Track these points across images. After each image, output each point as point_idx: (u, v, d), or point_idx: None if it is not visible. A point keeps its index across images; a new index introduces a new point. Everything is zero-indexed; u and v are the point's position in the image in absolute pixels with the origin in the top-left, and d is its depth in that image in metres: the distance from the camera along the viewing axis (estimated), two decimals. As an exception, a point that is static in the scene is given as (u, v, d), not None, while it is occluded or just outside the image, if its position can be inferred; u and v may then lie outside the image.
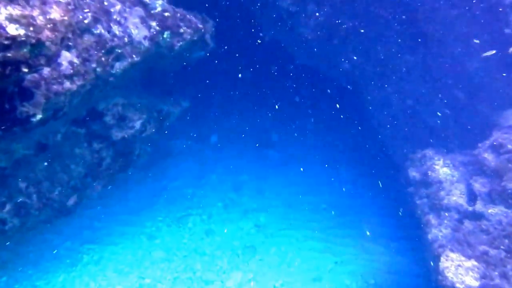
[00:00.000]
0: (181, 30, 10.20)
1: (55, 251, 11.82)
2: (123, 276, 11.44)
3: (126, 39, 9.02)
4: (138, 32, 9.34)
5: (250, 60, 16.65)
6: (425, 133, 12.29)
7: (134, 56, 9.24)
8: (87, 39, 8.34)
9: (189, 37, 10.35)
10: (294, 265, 12.11)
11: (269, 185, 15.18)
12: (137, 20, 9.41)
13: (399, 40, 12.38)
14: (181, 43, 10.24)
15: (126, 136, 10.45)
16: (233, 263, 12.07)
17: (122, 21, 9.12)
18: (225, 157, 16.40)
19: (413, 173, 11.15)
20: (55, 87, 7.66)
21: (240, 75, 16.64)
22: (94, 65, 8.42)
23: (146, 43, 9.41)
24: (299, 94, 17.91)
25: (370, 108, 13.73)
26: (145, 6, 9.66)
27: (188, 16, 10.47)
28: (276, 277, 11.71)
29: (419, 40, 12.08)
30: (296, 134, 17.68)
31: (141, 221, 13.22)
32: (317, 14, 12.49)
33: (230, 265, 11.99)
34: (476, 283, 8.23)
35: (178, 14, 10.25)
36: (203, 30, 10.80)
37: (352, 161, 16.32)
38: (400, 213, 13.29)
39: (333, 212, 13.99)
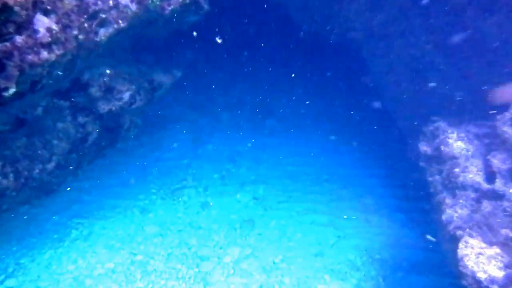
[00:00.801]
0: (172, -8, 9.32)
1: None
2: (114, 252, 10.76)
3: (111, 3, 8.17)
4: (124, -6, 8.44)
5: (248, 24, 15.80)
6: (435, 102, 11.42)
7: (120, 21, 8.39)
8: (68, 2, 7.52)
9: (180, 0, 9.43)
10: (294, 240, 11.44)
11: (267, 155, 14.42)
12: (123, -19, 8.50)
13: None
14: (172, 7, 9.36)
15: (113, 108, 9.67)
16: (231, 237, 11.40)
17: (106, -19, 8.24)
18: (222, 126, 15.59)
19: (424, 148, 10.32)
20: (30, 57, 6.86)
21: (237, 41, 15.77)
22: (75, 32, 7.62)
23: (133, 7, 8.53)
24: (300, 60, 17.05)
25: (374, 74, 12.87)
26: (132, -35, 8.74)
27: (179, -25, 9.57)
28: (275, 253, 11.02)
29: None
30: (296, 102, 16.86)
31: (134, 194, 12.54)
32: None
33: (227, 240, 11.31)
34: (500, 273, 7.45)
35: (169, -26, 9.35)
36: (196, -8, 9.92)
37: (355, 130, 15.52)
38: (405, 184, 12.63)
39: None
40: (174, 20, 10.23)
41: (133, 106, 10.17)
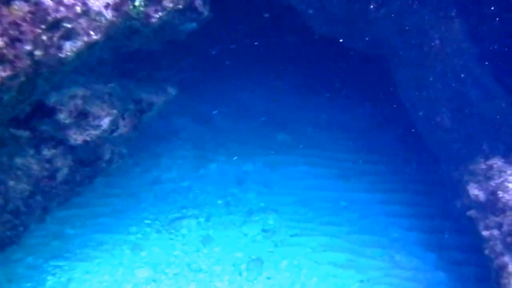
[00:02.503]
0: (161, -5, 7.01)
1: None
2: (97, 306, 8.54)
3: (78, 9, 5.98)
4: (97, -2, 6.18)
5: (256, 30, 13.52)
6: (481, 129, 9.10)
7: (92, 33, 6.17)
8: (18, 8, 5.39)
9: (171, 5, 7.20)
10: (310, 286, 9.32)
11: (278, 176, 12.18)
12: (95, -19, 6.24)
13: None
14: (160, 13, 7.09)
15: (89, 139, 7.35)
16: (236, 283, 9.30)
17: (72, -19, 6.04)
18: (228, 141, 13.33)
19: (475, 192, 7.93)
20: (-39, 82, 4.75)
21: (245, 47, 13.50)
22: (29, 47, 5.50)
23: (108, 15, 6.29)
24: (316, 69, 14.80)
25: (403, 90, 10.59)
26: (109, -40, 6.46)
27: (171, -25, 7.25)
28: (287, 303, 8.84)
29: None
30: (311, 116, 14.59)
31: (125, 226, 10.36)
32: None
33: (231, 287, 9.00)
34: None
35: (156, -28, 7.04)
36: (192, -6, 7.60)
37: (378, 149, 13.25)
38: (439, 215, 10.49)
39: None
40: (166, 28, 7.97)
41: (115, 134, 7.92)
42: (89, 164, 7.89)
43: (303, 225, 10.67)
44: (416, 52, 9.87)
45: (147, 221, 10.52)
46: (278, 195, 11.64)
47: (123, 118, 8.02)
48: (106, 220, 10.42)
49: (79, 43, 6.13)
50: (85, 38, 6.17)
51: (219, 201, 11.31)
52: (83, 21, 6.11)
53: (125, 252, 9.67)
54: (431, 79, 9.60)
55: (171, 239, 10.11)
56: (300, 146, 13.37)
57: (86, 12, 6.11)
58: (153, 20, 7.09)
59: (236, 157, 12.59)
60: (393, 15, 9.65)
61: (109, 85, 7.85)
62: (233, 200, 11.39)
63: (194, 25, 8.45)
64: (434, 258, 9.85)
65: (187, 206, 11.04)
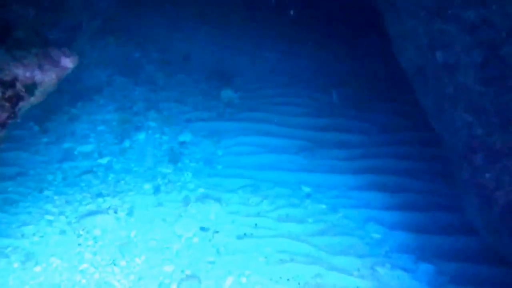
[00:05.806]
0: None
1: None
2: None
3: None
4: None
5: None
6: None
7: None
8: None
9: None
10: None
11: (223, 150, 9.63)
12: None
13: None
14: None
15: None
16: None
17: None
18: (161, 101, 10.48)
19: None
20: None
21: None
22: None
23: None
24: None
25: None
26: None
27: None
28: None
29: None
30: (264, 66, 11.79)
31: (18, 224, 7.61)
32: None
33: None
34: None
35: None
36: None
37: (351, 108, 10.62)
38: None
39: None
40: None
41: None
42: None
43: (253, 221, 7.97)
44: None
45: (49, 217, 7.64)
46: (223, 177, 8.91)
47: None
48: (-6, 215, 7.54)
49: None
50: None
51: (147, 186, 8.52)
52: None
53: (14, 266, 6.81)
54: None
55: (79, 244, 7.26)
56: (249, 107, 10.57)
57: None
58: None
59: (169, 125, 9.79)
60: None
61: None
62: (164, 184, 8.60)
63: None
64: (431, 271, 7.23)
65: (104, 194, 8.22)
